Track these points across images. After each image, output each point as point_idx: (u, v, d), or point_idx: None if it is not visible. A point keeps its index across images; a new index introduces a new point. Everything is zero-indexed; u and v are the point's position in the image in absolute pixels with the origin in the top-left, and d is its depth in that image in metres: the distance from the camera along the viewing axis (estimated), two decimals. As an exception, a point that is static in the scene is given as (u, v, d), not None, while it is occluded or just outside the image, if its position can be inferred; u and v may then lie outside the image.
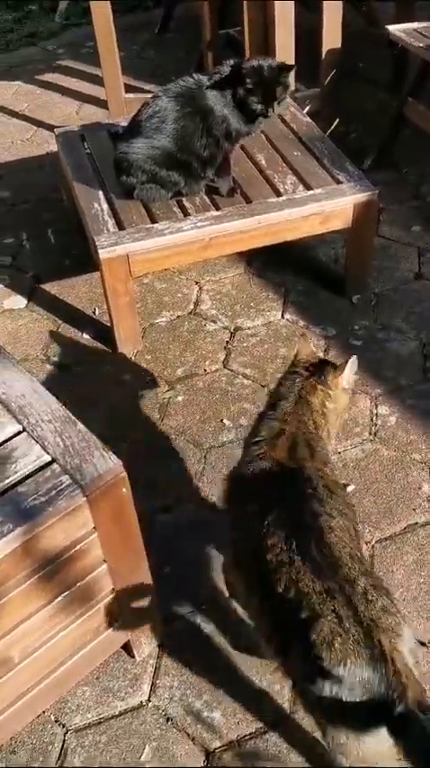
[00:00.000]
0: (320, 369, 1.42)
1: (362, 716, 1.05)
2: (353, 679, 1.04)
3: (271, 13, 2.71)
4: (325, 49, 2.81)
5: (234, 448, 1.94)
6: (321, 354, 2.16)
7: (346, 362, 1.41)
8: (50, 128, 3.17)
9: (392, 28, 2.57)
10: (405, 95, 2.70)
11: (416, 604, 1.58)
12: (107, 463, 1.20)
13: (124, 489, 1.22)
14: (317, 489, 1.25)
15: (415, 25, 2.60)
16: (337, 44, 2.80)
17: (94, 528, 1.23)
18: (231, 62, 2.04)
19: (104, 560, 1.30)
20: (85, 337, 2.31)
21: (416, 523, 1.73)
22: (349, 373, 1.41)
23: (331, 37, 2.79)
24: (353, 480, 1.84)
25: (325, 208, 2.13)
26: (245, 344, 2.25)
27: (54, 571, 1.22)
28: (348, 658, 1.04)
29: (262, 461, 1.32)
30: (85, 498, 1.18)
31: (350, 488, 1.82)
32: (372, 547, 1.69)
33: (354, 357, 1.42)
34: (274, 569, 1.15)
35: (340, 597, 1.09)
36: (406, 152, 2.91)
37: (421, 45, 2.47)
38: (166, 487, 1.87)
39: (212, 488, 1.85)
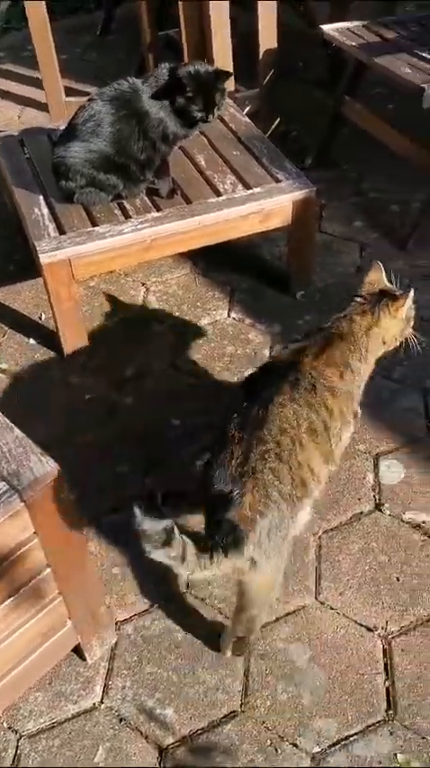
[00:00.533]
0: (379, 297, 1.56)
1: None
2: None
3: (206, 13, 2.73)
4: (262, 49, 2.84)
5: (182, 447, 1.96)
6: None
7: (406, 294, 1.53)
8: (-9, 133, 3.13)
9: (326, 27, 2.61)
10: (341, 94, 2.75)
11: (362, 591, 1.62)
12: (44, 467, 1.20)
13: (63, 494, 1.23)
14: (298, 381, 1.42)
15: (347, 24, 2.64)
16: (273, 44, 2.83)
17: (34, 533, 1.23)
18: (167, 66, 2.05)
19: (48, 565, 1.30)
20: (32, 342, 2.31)
21: (361, 512, 1.77)
22: (406, 306, 1.53)
23: (267, 37, 2.82)
24: (299, 473, 1.87)
25: (264, 206, 2.16)
26: (192, 344, 2.27)
27: (-4, 577, 1.22)
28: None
29: (280, 359, 1.54)
30: (23, 503, 1.18)
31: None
32: (319, 537, 1.73)
33: (412, 290, 1.54)
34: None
35: (243, 444, 1.33)
36: (345, 150, 2.95)
37: (354, 44, 2.52)
38: (115, 488, 1.87)
39: (161, 487, 1.86)
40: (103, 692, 1.50)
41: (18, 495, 1.17)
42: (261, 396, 1.40)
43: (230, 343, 2.26)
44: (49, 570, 1.31)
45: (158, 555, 1.22)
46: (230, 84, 2.78)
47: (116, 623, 1.60)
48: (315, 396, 1.43)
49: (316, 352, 1.49)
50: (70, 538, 1.30)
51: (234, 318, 2.35)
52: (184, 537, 1.23)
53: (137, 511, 1.19)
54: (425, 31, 2.61)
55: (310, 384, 1.43)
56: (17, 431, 1.26)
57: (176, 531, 1.21)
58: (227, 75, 2.06)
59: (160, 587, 1.66)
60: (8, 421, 1.28)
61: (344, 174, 2.92)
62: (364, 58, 2.47)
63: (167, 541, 1.20)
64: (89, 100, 2.06)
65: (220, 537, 1.28)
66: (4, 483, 1.18)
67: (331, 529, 1.74)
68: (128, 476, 1.90)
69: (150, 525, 1.19)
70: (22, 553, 1.23)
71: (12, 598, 1.27)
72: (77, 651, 1.53)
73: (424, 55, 2.42)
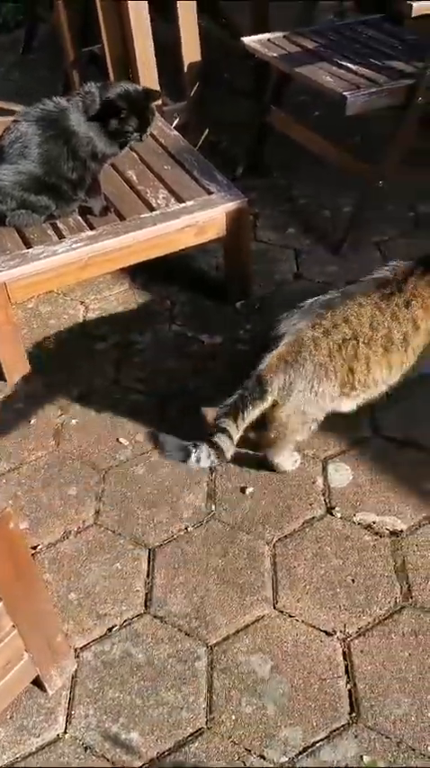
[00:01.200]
0: None
1: None
2: None
3: (128, 27, 2.73)
4: (186, 62, 2.85)
5: (131, 466, 1.94)
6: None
7: None
8: None
9: (247, 40, 2.65)
10: (267, 104, 2.79)
11: (318, 596, 1.63)
12: (-10, 500, 1.18)
13: (11, 524, 1.21)
14: (392, 294, 1.71)
15: (268, 36, 2.68)
16: (197, 57, 2.85)
17: (-16, 567, 1.21)
18: (94, 85, 2.05)
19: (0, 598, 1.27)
20: (-29, 369, 2.26)
21: (313, 518, 1.79)
22: None
23: (190, 50, 2.84)
24: (250, 482, 1.88)
25: (198, 219, 2.17)
26: (135, 359, 2.26)
27: None
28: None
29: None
30: (-30, 538, 1.15)
31: (249, 490, 1.86)
32: (274, 546, 1.74)
33: None
34: None
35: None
36: (274, 158, 2.99)
37: (275, 55, 2.56)
38: (65, 513, 1.85)
39: (113, 510, 1.85)
40: (67, 721, 1.48)
41: (-36, 532, 1.14)
42: (347, 288, 1.76)
43: (172, 356, 2.26)
44: (0, 604, 1.28)
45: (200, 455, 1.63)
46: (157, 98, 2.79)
47: (75, 650, 1.58)
48: (406, 311, 1.69)
49: (422, 274, 1.73)
50: (22, 570, 1.27)
51: (175, 332, 2.35)
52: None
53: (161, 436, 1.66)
54: (342, 39, 2.67)
55: (405, 301, 1.70)
56: (-41, 465, 1.23)
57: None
58: (156, 94, 2.11)
59: (118, 609, 1.65)
60: None
61: (275, 181, 2.97)
62: (287, 69, 2.51)
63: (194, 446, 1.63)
64: (14, 121, 2.03)
65: (248, 391, 1.64)
66: None
67: (285, 536, 1.75)
68: (78, 500, 1.88)
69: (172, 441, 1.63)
70: (-28, 590, 1.20)
71: (-36, 636, 1.24)
72: (37, 682, 1.50)
73: (343, 63, 2.47)
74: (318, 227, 2.71)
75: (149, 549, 1.76)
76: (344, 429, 1.98)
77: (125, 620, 1.63)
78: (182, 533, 1.79)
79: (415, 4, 2.06)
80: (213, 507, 1.84)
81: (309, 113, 3.15)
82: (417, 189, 2.75)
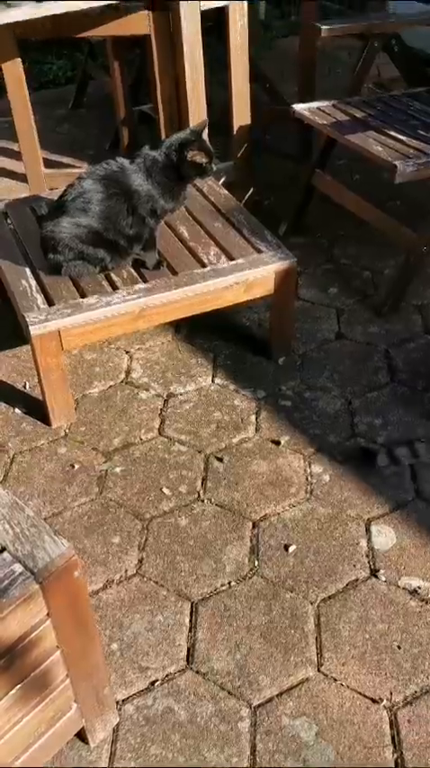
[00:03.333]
0: None
1: None
2: None
3: (183, 90, 2.85)
4: (235, 125, 2.96)
5: (174, 516, 1.96)
6: (253, 417, 2.23)
7: None
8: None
9: (297, 107, 2.75)
10: (312, 167, 2.88)
11: (364, 661, 1.62)
12: (59, 548, 1.19)
13: (76, 573, 1.22)
14: None
15: (317, 104, 2.78)
16: (247, 121, 2.96)
17: (47, 615, 1.22)
18: (148, 148, 2.13)
19: (58, 647, 1.28)
20: (17, 413, 2.29)
21: (357, 579, 1.79)
22: None
23: (240, 115, 2.94)
24: (293, 540, 1.88)
25: (248, 277, 2.23)
26: (178, 411, 2.29)
27: (7, 663, 1.19)
28: None
29: None
30: (38, 585, 1.16)
31: (292, 549, 1.86)
32: (318, 606, 1.73)
33: None
34: None
35: None
36: (317, 218, 3.07)
37: (325, 122, 2.65)
38: (108, 561, 1.85)
39: (156, 560, 1.85)
40: (108, 777, 1.46)
41: (34, 578, 1.15)
42: None
43: (216, 409, 2.29)
44: (58, 653, 1.28)
45: None
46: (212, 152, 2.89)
47: (117, 703, 1.57)
48: None
49: None
50: (82, 619, 1.28)
51: (218, 384, 2.39)
52: None
53: None
54: (389, 110, 2.77)
55: None
56: (28, 510, 1.25)
57: None
58: (203, 123, 2.22)
59: (160, 663, 1.64)
60: (18, 500, 1.27)
61: (317, 241, 3.04)
62: (337, 136, 2.60)
63: None
64: (78, 178, 2.11)
65: None
66: (19, 564, 1.17)
67: (329, 597, 1.75)
68: (121, 549, 1.89)
69: None
70: (34, 637, 1.21)
71: (20, 685, 1.24)
72: (80, 734, 1.49)
73: (391, 133, 2.55)
74: (360, 288, 2.77)
75: (192, 603, 1.76)
76: (387, 491, 2.00)
77: (167, 675, 1.62)
78: (225, 588, 1.79)
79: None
80: (256, 563, 1.84)
81: (350, 175, 3.24)
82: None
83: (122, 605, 1.76)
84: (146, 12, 2.70)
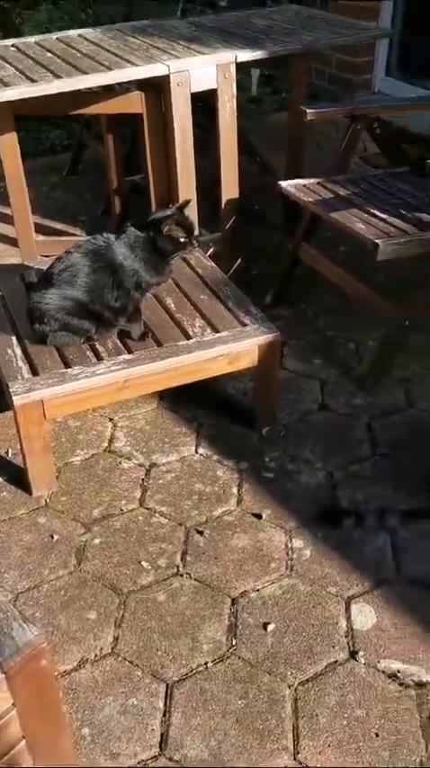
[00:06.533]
0: None
1: None
2: None
3: (173, 164, 2.93)
4: (224, 198, 3.04)
5: (152, 591, 1.93)
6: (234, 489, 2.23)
7: None
8: (-40, 267, 3.22)
9: (284, 184, 2.83)
10: (298, 240, 2.95)
11: (342, 750, 1.58)
12: (27, 635, 1.17)
13: (44, 661, 1.19)
14: None
15: (303, 181, 2.87)
16: (235, 194, 3.04)
17: (12, 704, 1.18)
18: (132, 224, 2.19)
19: (23, 736, 1.24)
20: (-2, 480, 2.28)
21: (336, 661, 1.76)
22: None
23: (229, 188, 3.03)
24: (272, 618, 1.86)
25: (232, 349, 2.26)
26: (160, 481, 2.28)
27: (-30, 756, 1.16)
28: None
29: None
30: (3, 675, 1.14)
31: (271, 627, 1.83)
32: (295, 690, 1.69)
33: None
34: None
35: None
36: (303, 289, 3.13)
37: (310, 199, 2.73)
38: (83, 638, 1.82)
39: (132, 638, 1.82)
40: None
41: None
42: None
43: (199, 480, 2.28)
44: (23, 743, 1.24)
45: None
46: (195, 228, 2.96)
47: (86, 792, 1.52)
48: None
49: None
50: (50, 707, 1.25)
51: (201, 454, 2.39)
52: None
53: None
54: (373, 189, 2.85)
55: None
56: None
57: None
58: (186, 202, 2.27)
59: (132, 749, 1.59)
60: (-11, 585, 1.25)
61: (302, 312, 3.08)
62: (322, 213, 2.67)
63: None
64: (66, 252, 2.16)
65: None
66: (-15, 654, 1.14)
67: (307, 680, 1.72)
68: (97, 625, 1.85)
69: None
70: (-2, 728, 1.18)
71: (-17, 777, 1.20)
72: None
73: (374, 212, 2.63)
74: (344, 360, 2.80)
75: (167, 685, 1.72)
76: (368, 567, 1.98)
77: (139, 762, 1.58)
78: (201, 669, 1.75)
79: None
80: (234, 642, 1.81)
81: (336, 248, 3.31)
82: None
83: (96, 687, 1.72)
84: (138, 92, 2.80)
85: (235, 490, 2.25)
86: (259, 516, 2.15)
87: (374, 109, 2.98)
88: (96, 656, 1.79)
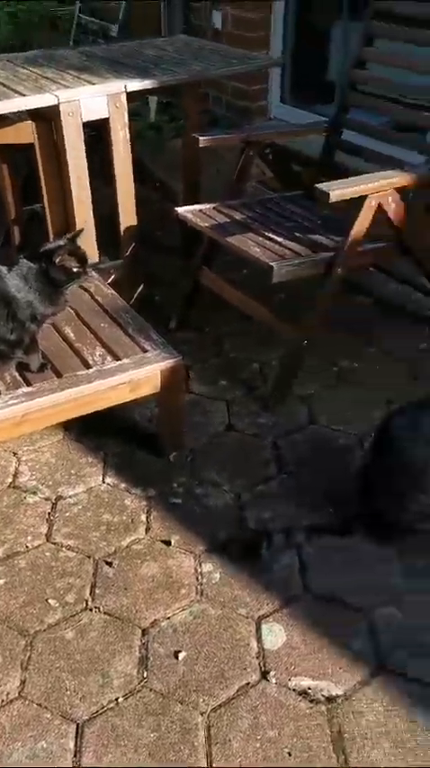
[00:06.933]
0: None
1: None
2: None
3: (69, 190, 2.92)
4: (122, 225, 3.04)
5: (60, 630, 1.88)
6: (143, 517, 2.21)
7: None
8: None
9: (180, 210, 2.87)
10: (197, 265, 2.98)
11: (255, 773, 1.58)
12: None
13: None
14: None
15: (200, 207, 2.91)
16: (134, 221, 3.05)
17: None
18: (24, 257, 2.17)
19: None
20: None
21: (248, 683, 1.76)
22: None
23: (127, 215, 3.03)
24: (183, 646, 1.84)
25: (133, 377, 2.25)
26: (67, 514, 2.24)
27: None
28: None
29: None
30: None
31: (182, 655, 1.82)
32: (208, 717, 1.69)
33: None
34: None
35: None
36: (207, 312, 3.16)
37: (207, 225, 2.77)
38: (-10, 685, 1.75)
39: (40, 679, 1.76)
40: None
41: None
42: None
43: (106, 510, 2.26)
44: None
45: None
46: (95, 256, 2.95)
47: None
48: None
49: None
50: None
51: (109, 484, 2.36)
52: None
53: None
54: (268, 212, 2.92)
55: None
56: None
57: None
58: (79, 232, 2.26)
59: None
60: None
61: (206, 335, 3.12)
62: (218, 238, 2.71)
63: None
64: None
65: None
66: None
67: (219, 705, 1.71)
68: (3, 667, 1.79)
69: None
70: None
71: None
72: None
73: (269, 235, 2.69)
74: (248, 380, 2.84)
75: (77, 724, 1.68)
76: (276, 586, 2.00)
77: (50, 810, 1.53)
78: (112, 705, 1.72)
79: (332, 193, 2.30)
80: (145, 674, 1.78)
81: (237, 271, 3.37)
82: (338, 345, 2.95)
83: (3, 733, 1.66)
84: (30, 122, 2.78)
85: (143, 518, 2.23)
86: (168, 543, 2.14)
87: (266, 135, 3.06)
88: (3, 701, 1.72)
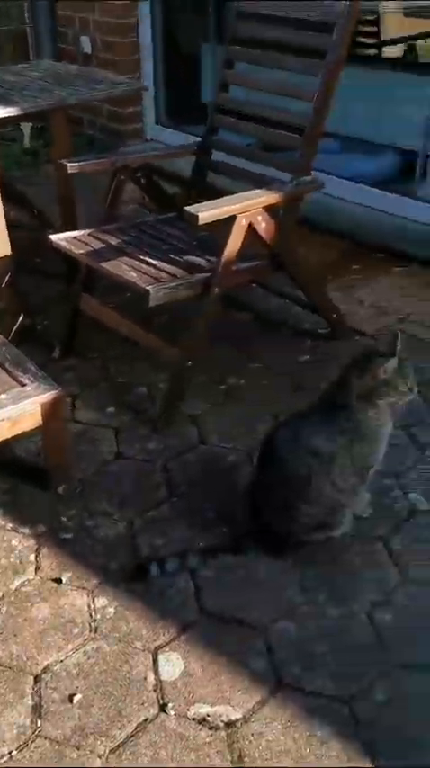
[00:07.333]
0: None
1: None
2: None
3: None
4: (-4, 257, 2.96)
5: None
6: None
7: None
8: None
9: (54, 237, 2.81)
10: (77, 292, 2.94)
11: None
12: None
13: None
14: None
15: (75, 233, 2.87)
16: (7, 251, 2.97)
17: None
18: None
19: None
20: None
21: (146, 719, 1.72)
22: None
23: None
24: (78, 688, 1.79)
25: (12, 413, 2.18)
26: None
27: None
28: None
29: None
30: None
31: (77, 698, 1.76)
32: (107, 759, 1.63)
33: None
34: None
35: None
36: (91, 338, 3.11)
37: (82, 251, 2.73)
38: None
39: None
40: None
41: None
42: None
43: (-8, 555, 2.17)
44: None
45: None
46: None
47: None
48: None
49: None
50: None
51: (-6, 526, 2.27)
52: None
53: None
54: (143, 236, 2.91)
55: None
56: None
57: None
58: None
59: None
60: None
61: (92, 361, 3.07)
62: (92, 264, 2.68)
63: None
64: None
65: None
66: None
67: (117, 746, 1.66)
68: None
69: None
70: None
71: None
72: None
73: (145, 258, 2.69)
74: (136, 404, 2.81)
75: (-32, 787, 1.59)
76: (172, 613, 1.97)
77: None
78: (5, 760, 1.64)
79: (201, 215, 2.32)
80: (39, 723, 1.71)
81: (119, 295, 3.35)
82: (224, 362, 2.97)
83: None
84: None
85: (32, 558, 2.15)
86: (59, 581, 2.08)
87: (135, 159, 3.06)
88: None
